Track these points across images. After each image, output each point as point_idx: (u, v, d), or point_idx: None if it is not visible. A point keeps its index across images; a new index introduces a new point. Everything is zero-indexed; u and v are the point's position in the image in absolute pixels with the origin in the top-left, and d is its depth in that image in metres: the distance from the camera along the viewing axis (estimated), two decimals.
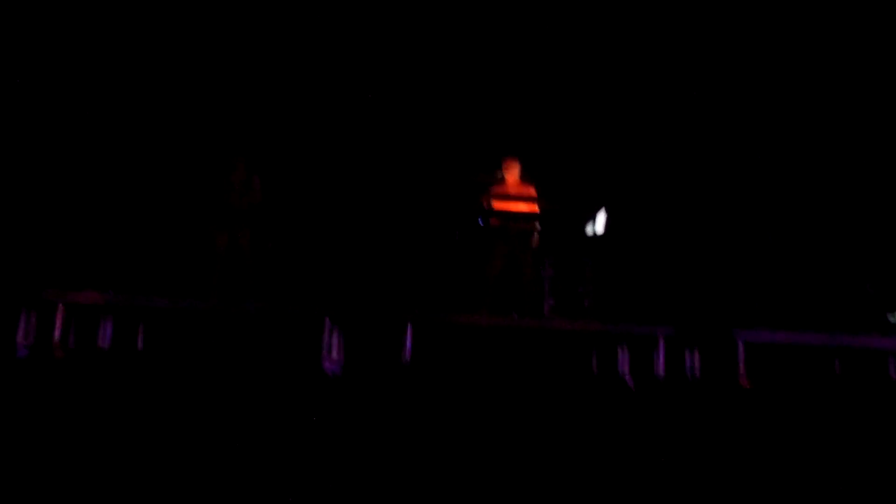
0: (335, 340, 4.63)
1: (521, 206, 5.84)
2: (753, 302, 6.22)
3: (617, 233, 5.99)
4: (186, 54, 7.18)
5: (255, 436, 2.33)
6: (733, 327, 4.81)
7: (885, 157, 6.83)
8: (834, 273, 6.47)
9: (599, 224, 5.61)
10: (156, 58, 7.14)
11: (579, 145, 7.03)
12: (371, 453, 2.11)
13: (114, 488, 1.53)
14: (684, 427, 3.24)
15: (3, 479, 1.59)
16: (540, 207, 5.85)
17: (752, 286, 6.36)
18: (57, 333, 4.54)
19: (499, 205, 5.84)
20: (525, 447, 2.42)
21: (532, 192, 5.93)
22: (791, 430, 3.35)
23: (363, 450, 2.16)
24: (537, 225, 5.83)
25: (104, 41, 7.01)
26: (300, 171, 6.95)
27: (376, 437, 2.42)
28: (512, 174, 5.92)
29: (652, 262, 6.51)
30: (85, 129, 6.88)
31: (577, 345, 5.39)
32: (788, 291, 6.37)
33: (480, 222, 5.81)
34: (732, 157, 6.93)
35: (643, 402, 4.12)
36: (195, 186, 6.35)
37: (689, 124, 7.03)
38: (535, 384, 4.77)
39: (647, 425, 3.26)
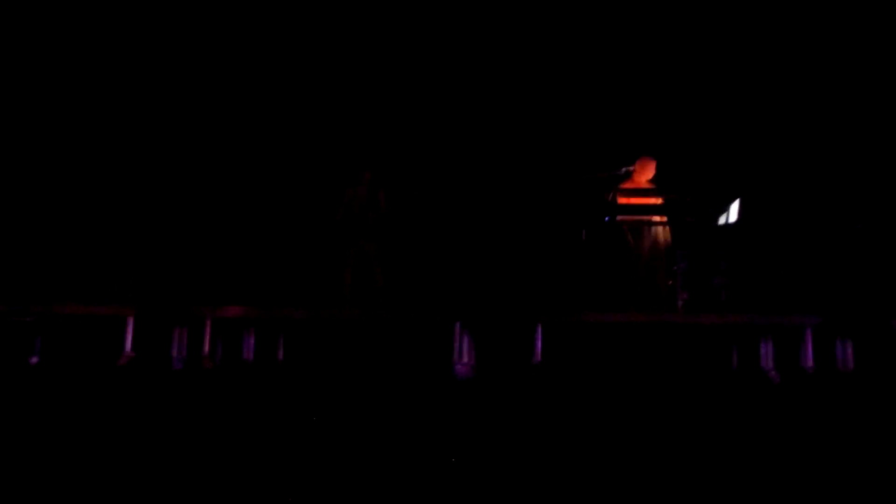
0: (465, 344, 4.65)
1: (654, 201, 5.70)
2: None
3: (752, 221, 5.70)
4: (318, 68, 7.47)
5: (390, 440, 2.38)
6: (892, 315, 4.47)
7: None
8: None
9: (733, 213, 5.36)
10: (288, 73, 7.47)
11: (708, 135, 6.78)
12: (504, 456, 2.11)
13: (257, 487, 1.62)
14: (838, 424, 3.03)
15: (155, 480, 1.70)
16: (671, 200, 5.68)
17: None
18: (206, 347, 4.84)
19: (630, 200, 5.70)
20: (663, 448, 2.35)
21: (661, 187, 5.79)
22: None
23: (496, 452, 2.16)
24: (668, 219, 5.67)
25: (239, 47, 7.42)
26: (424, 177, 7.07)
27: (510, 439, 2.42)
28: (646, 173, 5.79)
29: (789, 251, 6.17)
30: (221, 150, 7.30)
31: (715, 339, 5.18)
32: None
33: (606, 220, 5.69)
34: (877, 135, 6.47)
35: (789, 398, 3.91)
36: (323, 201, 6.61)
37: (827, 106, 6.63)
38: (672, 382, 4.62)
39: (795, 422, 3.08)
